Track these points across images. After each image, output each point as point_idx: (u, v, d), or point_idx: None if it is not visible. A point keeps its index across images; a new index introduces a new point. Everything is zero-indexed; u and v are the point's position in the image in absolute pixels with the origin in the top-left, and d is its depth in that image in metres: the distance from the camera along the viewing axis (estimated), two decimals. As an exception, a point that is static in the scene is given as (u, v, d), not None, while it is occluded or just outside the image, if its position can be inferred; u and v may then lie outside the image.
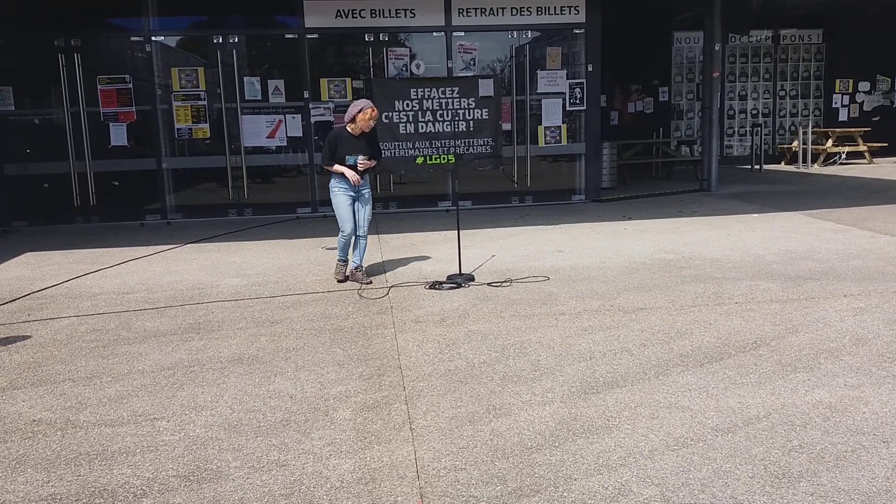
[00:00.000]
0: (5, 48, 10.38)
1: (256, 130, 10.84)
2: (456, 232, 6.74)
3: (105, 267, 7.50)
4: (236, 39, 10.79)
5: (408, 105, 10.50)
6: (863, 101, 17.62)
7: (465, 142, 10.78)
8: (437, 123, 10.73)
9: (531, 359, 4.45)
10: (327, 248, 8.22)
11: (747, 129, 17.31)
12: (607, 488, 2.93)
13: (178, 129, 10.71)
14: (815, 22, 17.08)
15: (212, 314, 5.66)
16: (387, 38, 11.03)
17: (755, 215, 9.65)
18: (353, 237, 6.50)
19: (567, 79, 11.47)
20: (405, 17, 10.93)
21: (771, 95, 17.55)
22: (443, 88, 10.66)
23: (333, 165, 6.31)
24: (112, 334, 5.22)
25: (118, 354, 4.77)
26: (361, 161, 6.30)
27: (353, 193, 6.41)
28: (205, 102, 10.70)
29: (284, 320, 5.44)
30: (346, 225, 6.41)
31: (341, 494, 2.95)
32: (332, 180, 6.40)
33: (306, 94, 10.85)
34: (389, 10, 10.86)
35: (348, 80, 10.99)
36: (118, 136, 10.60)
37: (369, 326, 5.23)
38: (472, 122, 10.84)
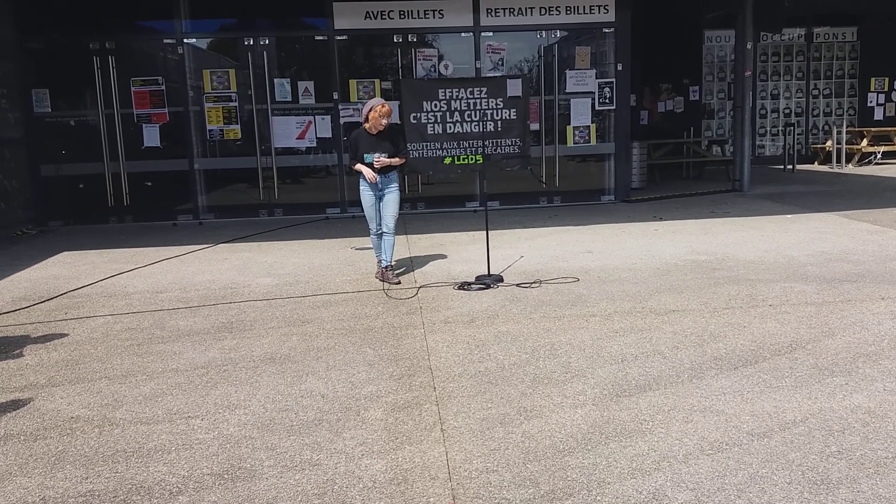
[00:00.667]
0: (42, 52, 10.59)
1: (286, 131, 10.94)
2: (484, 232, 6.74)
3: (139, 266, 7.62)
4: (267, 41, 10.89)
5: (436, 105, 10.46)
6: (900, 100, 17.27)
7: (492, 142, 10.71)
8: (464, 124, 10.68)
9: (562, 361, 4.43)
10: (356, 249, 8.26)
11: (780, 128, 17.05)
12: (641, 493, 2.90)
13: (210, 131, 10.84)
14: (849, 19, 16.76)
15: (244, 313, 5.72)
16: (415, 39, 11.05)
17: (789, 216, 9.51)
18: (379, 234, 6.67)
19: (596, 78, 11.40)
20: (434, 17, 10.95)
21: (804, 94, 17.27)
22: (471, 89, 10.58)
23: (356, 165, 6.53)
24: (146, 333, 5.29)
25: (153, 353, 4.84)
26: (377, 158, 6.45)
27: (378, 193, 6.58)
28: (236, 104, 10.82)
29: (315, 320, 5.48)
30: (371, 223, 6.67)
31: (374, 495, 2.96)
32: (360, 180, 6.60)
33: (336, 96, 10.91)
34: (418, 11, 10.88)
35: (377, 81, 11.03)
36: (151, 137, 10.76)
37: (399, 327, 5.25)
38: (500, 123, 10.76)
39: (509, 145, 11.11)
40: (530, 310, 5.56)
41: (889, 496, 2.81)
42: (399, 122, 10.89)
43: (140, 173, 10.89)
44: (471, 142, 10.76)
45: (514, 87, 10.95)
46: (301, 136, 10.98)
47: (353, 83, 10.98)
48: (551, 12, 11.14)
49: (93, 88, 10.63)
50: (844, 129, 15.81)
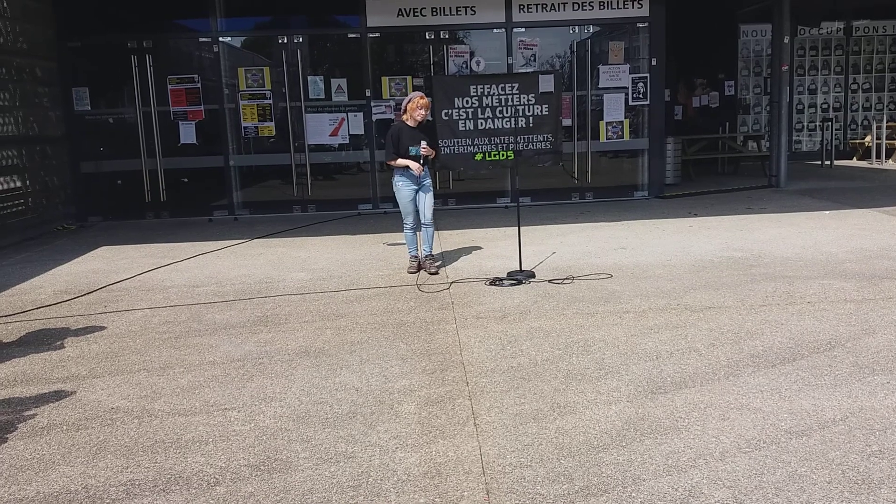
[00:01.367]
0: (82, 51, 10.81)
1: (320, 128, 11.02)
2: (516, 228, 6.73)
3: (176, 261, 7.74)
4: (300, 39, 10.98)
5: (467, 102, 10.40)
6: (942, 94, 16.83)
7: (524, 138, 10.68)
8: (496, 120, 10.64)
9: (595, 357, 4.41)
10: (388, 244, 8.30)
11: (817, 123, 16.72)
12: (677, 490, 2.88)
13: (245, 128, 10.97)
14: (890, 12, 16.37)
15: (279, 307, 5.78)
16: (447, 36, 11.06)
17: (827, 212, 9.33)
18: (416, 228, 6.73)
19: (630, 73, 11.29)
20: (465, 14, 10.94)
21: (842, 89, 16.91)
22: (502, 85, 10.53)
23: (396, 160, 6.53)
24: (184, 326, 5.38)
25: (190, 346, 4.92)
26: (424, 147, 6.52)
27: (415, 186, 6.65)
28: (270, 101, 10.93)
29: (349, 314, 5.52)
30: (408, 217, 6.71)
31: (408, 487, 2.98)
32: (395, 175, 6.63)
33: (368, 93, 10.97)
34: (450, 8, 10.88)
35: (409, 78, 11.06)
36: (187, 134, 10.92)
37: (431, 321, 5.26)
38: (531, 119, 10.70)
39: (541, 141, 11.05)
40: (563, 306, 5.53)
41: (933, 497, 2.75)
42: (431, 118, 10.93)
43: (176, 170, 11.07)
44: (502, 138, 10.75)
45: (547, 83, 10.89)
46: (334, 133, 11.06)
47: (385, 80, 11.02)
48: (584, 7, 11.06)
49: (130, 86, 10.82)
50: (885, 124, 15.44)
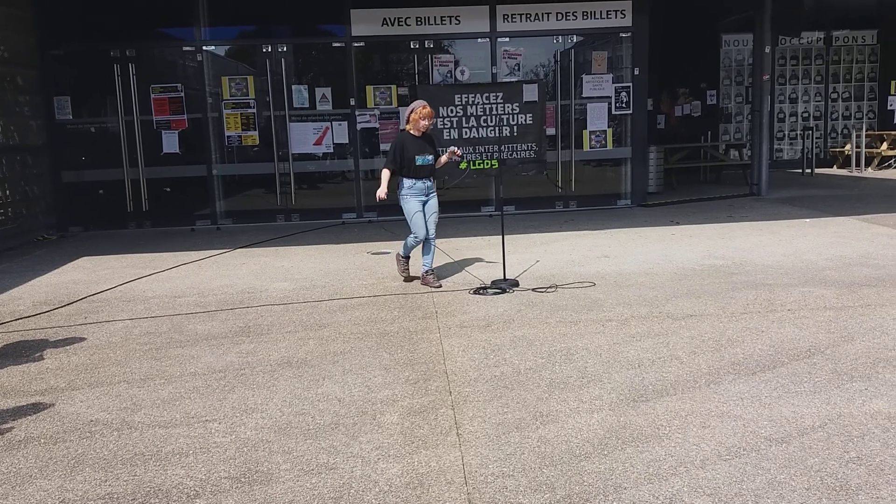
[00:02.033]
0: (64, 60, 10.74)
1: (304, 137, 11.01)
2: (500, 237, 6.73)
3: (157, 271, 7.69)
4: (285, 48, 10.97)
5: (452, 111, 10.54)
6: (920, 103, 17.07)
7: (508, 147, 10.77)
8: (480, 129, 10.75)
9: (578, 365, 4.42)
10: (372, 254, 8.29)
11: (798, 132, 16.92)
12: (658, 498, 2.88)
13: (228, 137, 10.94)
14: (869, 22, 16.63)
15: (261, 318, 5.75)
16: (432, 45, 11.10)
17: (807, 220, 9.43)
18: (419, 243, 6.55)
19: (613, 83, 11.38)
20: (450, 23, 10.99)
21: (822, 98, 17.13)
22: (487, 94, 10.68)
23: (385, 172, 6.40)
24: (165, 337, 5.34)
25: (171, 357, 4.88)
26: (452, 150, 6.52)
27: (423, 198, 6.44)
28: (254, 110, 10.91)
29: (332, 324, 5.50)
30: (419, 230, 6.42)
31: (390, 499, 2.97)
32: (402, 188, 6.41)
33: (352, 102, 10.98)
34: (435, 18, 10.93)
35: (394, 87, 11.08)
36: (170, 143, 10.87)
37: (415, 331, 5.26)
38: (516, 127, 10.83)
39: (525, 150, 11.17)
40: (546, 314, 5.55)
41: (910, 503, 2.78)
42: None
43: (159, 179, 11.00)
44: (487, 147, 10.83)
45: (531, 92, 11.01)
46: (318, 142, 11.06)
47: (369, 89, 11.04)
48: (568, 17, 11.15)
49: (113, 95, 10.76)
50: (864, 133, 15.65)
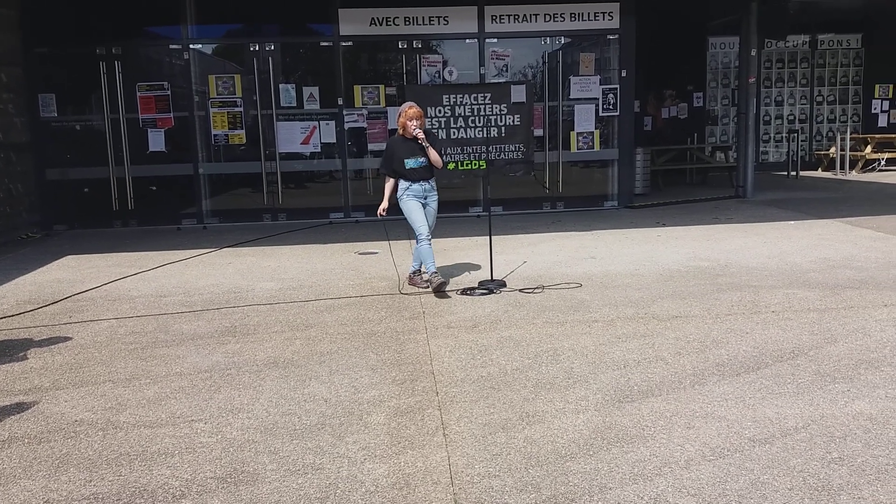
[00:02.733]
0: (49, 57, 10.66)
1: (291, 136, 10.98)
2: (487, 237, 6.75)
3: (143, 270, 7.65)
4: (272, 47, 10.93)
5: (440, 111, 10.53)
6: (903, 107, 17.26)
7: (496, 147, 10.79)
8: (468, 129, 10.76)
9: (564, 366, 4.44)
10: (360, 254, 8.29)
11: (783, 134, 17.05)
12: (643, 498, 2.91)
13: (215, 135, 10.89)
14: (854, 26, 16.78)
15: (247, 318, 5.74)
16: (420, 46, 11.10)
17: (792, 222, 9.51)
18: (430, 239, 6.34)
19: (600, 84, 11.42)
20: (438, 24, 10.99)
21: (808, 101, 17.28)
22: (475, 94, 10.69)
23: (388, 179, 6.38)
24: (150, 337, 5.32)
25: (156, 357, 4.86)
26: (415, 132, 6.12)
27: (422, 201, 6.32)
28: (241, 109, 10.87)
29: (318, 324, 5.50)
30: (421, 228, 6.26)
31: (376, 499, 2.97)
32: (401, 190, 6.30)
33: (340, 101, 10.96)
34: (423, 18, 10.93)
35: (381, 86, 11.07)
36: (156, 141, 10.81)
37: (402, 331, 5.26)
38: (503, 128, 10.84)
39: (513, 151, 11.19)
40: (533, 315, 5.57)
41: (890, 503, 2.81)
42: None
43: (145, 178, 10.94)
44: (474, 147, 10.84)
45: (519, 93, 11.03)
46: (305, 142, 11.03)
47: (357, 89, 11.02)
48: (556, 19, 11.18)
49: (99, 93, 10.68)
50: (848, 136, 15.80)
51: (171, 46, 10.91)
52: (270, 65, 10.88)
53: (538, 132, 11.30)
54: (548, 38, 11.41)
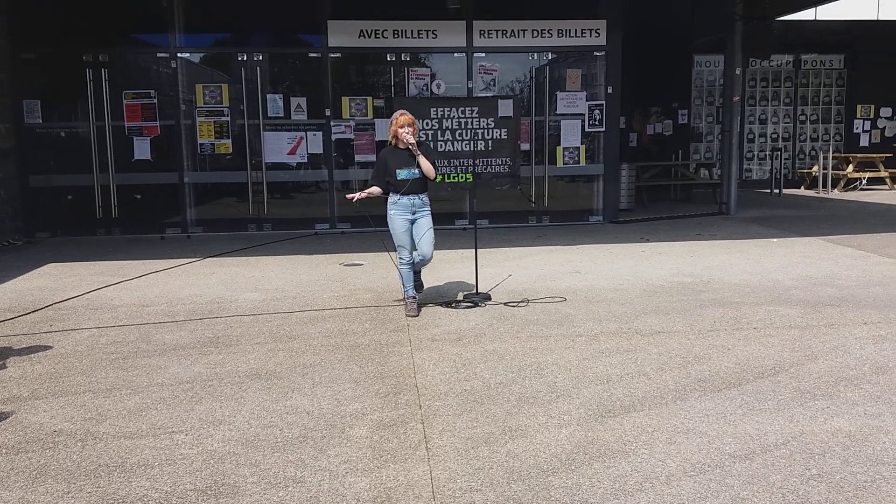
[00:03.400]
0: (35, 62, 10.59)
1: (278, 147, 10.97)
2: (473, 250, 6.77)
3: (126, 279, 7.59)
4: (260, 57, 10.93)
5: (427, 124, 10.58)
6: (884, 127, 17.52)
7: (483, 161, 10.85)
8: (456, 142, 10.82)
9: (548, 380, 4.45)
10: (345, 265, 8.27)
11: (767, 153, 17.25)
12: (623, 513, 2.91)
13: (201, 144, 10.85)
14: (836, 47, 17.04)
15: (230, 328, 5.71)
16: (408, 58, 11.14)
17: (774, 240, 9.60)
18: (411, 264, 6.12)
19: (586, 100, 11.52)
20: (427, 37, 11.05)
21: (791, 120, 17.49)
22: (462, 108, 10.75)
23: (368, 188, 6.06)
24: (132, 346, 5.27)
25: (138, 367, 4.82)
26: (408, 141, 5.83)
27: (409, 216, 6.02)
28: (228, 118, 10.84)
29: (302, 336, 5.48)
30: (403, 252, 6.05)
31: (357, 512, 2.96)
32: (389, 203, 6.03)
33: (328, 112, 10.97)
34: (412, 31, 10.98)
35: (369, 98, 11.10)
36: (142, 150, 10.75)
37: (386, 344, 5.25)
38: (490, 142, 10.91)
39: (500, 164, 11.25)
40: (517, 329, 5.58)
41: (868, 520, 2.84)
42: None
43: (129, 186, 10.87)
44: (461, 160, 10.89)
45: (506, 108, 11.10)
46: (292, 152, 11.02)
47: (345, 100, 11.04)
48: (543, 35, 11.27)
49: (85, 100, 10.62)
50: (831, 155, 16.01)
51: (159, 54, 10.89)
52: (258, 74, 10.88)
53: (525, 146, 11.36)
54: (535, 54, 11.50)
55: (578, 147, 11.60)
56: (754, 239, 9.71)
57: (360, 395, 4.26)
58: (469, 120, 10.79)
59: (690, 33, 15.56)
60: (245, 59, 10.88)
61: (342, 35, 10.90)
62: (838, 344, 5.06)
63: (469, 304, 6.28)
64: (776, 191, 15.36)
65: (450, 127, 10.77)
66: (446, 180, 10.72)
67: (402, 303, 6.30)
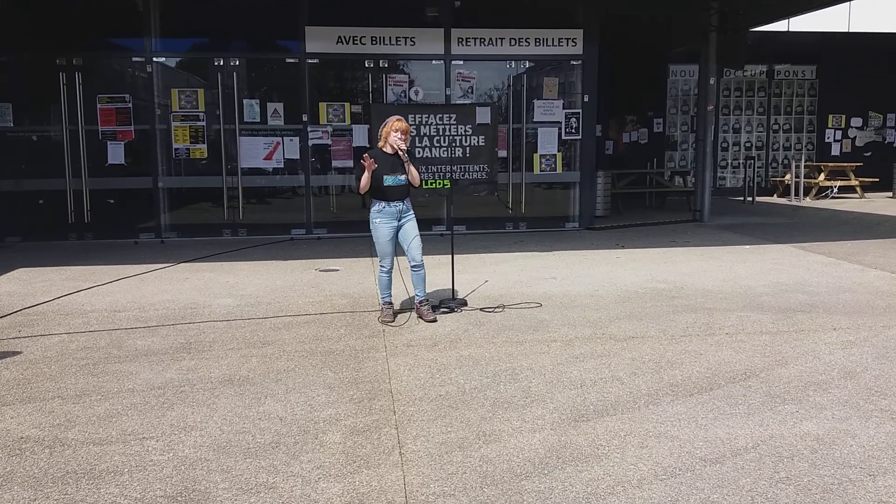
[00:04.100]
0: (7, 65, 10.45)
1: (254, 152, 10.91)
2: (450, 256, 6.77)
3: (97, 284, 7.50)
4: (237, 62, 10.88)
5: (405, 130, 10.57)
6: (855, 137, 17.85)
7: (461, 167, 10.89)
8: (433, 149, 10.85)
9: (522, 385, 4.46)
10: (320, 270, 8.24)
11: (741, 161, 17.48)
12: (595, 517, 2.93)
13: (176, 149, 10.76)
14: (809, 58, 17.35)
15: (203, 334, 5.65)
16: (387, 65, 11.15)
17: (747, 247, 9.72)
18: (391, 272, 6.06)
19: (563, 108, 11.60)
20: (405, 44, 11.06)
21: (764, 129, 17.75)
22: (440, 115, 10.79)
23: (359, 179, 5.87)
24: (103, 352, 5.20)
25: (108, 373, 4.76)
26: (397, 145, 5.74)
27: (395, 223, 5.95)
28: (203, 123, 10.76)
29: (276, 342, 5.44)
30: (385, 259, 5.98)
31: (329, 518, 2.94)
32: (373, 211, 5.93)
33: (305, 118, 10.93)
34: (390, 38, 10.99)
35: (347, 104, 11.08)
36: (116, 154, 10.64)
37: (361, 349, 5.24)
38: (468, 149, 10.95)
39: (477, 171, 11.29)
40: (493, 334, 5.59)
41: (834, 522, 2.88)
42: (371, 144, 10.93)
43: (102, 190, 10.74)
44: (439, 167, 10.91)
45: (484, 115, 11.16)
46: (268, 157, 10.96)
47: (322, 106, 11.01)
48: (521, 44, 11.34)
49: (58, 104, 10.49)
50: (803, 164, 16.26)
51: (135, 58, 10.79)
52: (235, 80, 10.82)
53: (502, 153, 11.42)
54: (513, 62, 11.57)
55: (555, 154, 11.68)
56: (727, 246, 9.82)
57: (334, 400, 4.24)
58: (447, 127, 10.83)
59: (666, 43, 15.75)
60: (222, 63, 10.82)
61: (320, 41, 10.88)
62: (808, 349, 5.13)
63: (445, 310, 6.28)
64: (749, 199, 15.56)
65: (427, 133, 10.80)
66: (424, 186, 10.73)
67: (378, 309, 6.28)
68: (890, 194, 16.58)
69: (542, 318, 6.07)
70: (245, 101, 10.85)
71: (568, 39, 11.41)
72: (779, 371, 4.68)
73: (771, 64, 17.38)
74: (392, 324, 5.92)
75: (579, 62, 11.50)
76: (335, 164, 11.14)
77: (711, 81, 12.56)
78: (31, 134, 10.80)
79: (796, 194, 16.03)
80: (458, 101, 11.25)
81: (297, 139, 10.96)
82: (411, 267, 6.08)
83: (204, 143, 10.78)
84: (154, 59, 10.68)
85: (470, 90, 11.40)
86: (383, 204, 5.91)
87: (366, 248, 9.76)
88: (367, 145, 10.88)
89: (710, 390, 4.34)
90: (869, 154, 17.68)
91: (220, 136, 10.84)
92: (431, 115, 10.76)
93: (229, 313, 6.30)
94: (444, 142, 10.82)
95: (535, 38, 11.33)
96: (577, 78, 11.62)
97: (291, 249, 9.93)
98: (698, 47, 12.82)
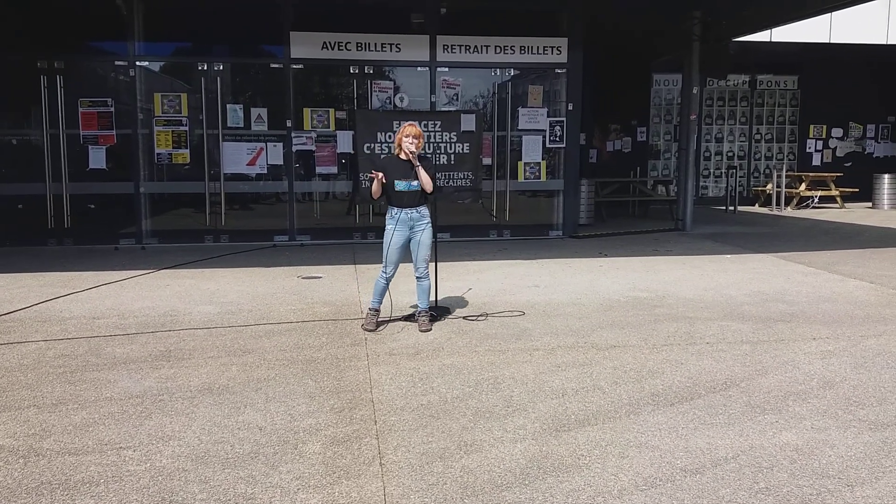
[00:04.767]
0: (-14, 68, 10.34)
1: (237, 157, 10.84)
2: (433, 264, 6.75)
3: (76, 291, 7.41)
4: (221, 67, 10.83)
5: (390, 137, 10.58)
6: (836, 147, 18.07)
7: (445, 174, 10.89)
8: (418, 156, 10.81)
9: (504, 394, 4.45)
10: (303, 278, 8.20)
11: (723, 170, 17.63)
12: (575, 528, 2.92)
13: (158, 154, 10.68)
14: (791, 68, 17.55)
15: (183, 342, 5.60)
16: (372, 71, 11.14)
17: (728, 256, 9.79)
18: (390, 280, 6.02)
19: (547, 116, 11.64)
20: (391, 51, 11.07)
21: (747, 139, 17.93)
22: (425, 122, 10.78)
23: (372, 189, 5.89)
24: (80, 360, 5.14)
25: (86, 381, 4.70)
26: (410, 151, 5.70)
27: (407, 232, 5.87)
28: (186, 128, 10.70)
29: (256, 350, 5.40)
30: (388, 267, 5.93)
31: (307, 530, 2.91)
32: (386, 217, 5.91)
33: (289, 123, 10.89)
34: (375, 44, 10.99)
35: (332, 110, 11.06)
36: (97, 159, 10.54)
37: (342, 358, 5.21)
38: (453, 156, 10.96)
39: (462, 178, 11.30)
40: (475, 343, 5.58)
41: (813, 533, 2.89)
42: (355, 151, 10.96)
43: (83, 195, 10.64)
44: (423, 174, 10.90)
45: (468, 122, 11.17)
46: (252, 163, 10.91)
47: (307, 111, 10.98)
48: (506, 51, 11.37)
49: (38, 107, 10.38)
50: (784, 174, 16.42)
51: (117, 62, 10.71)
52: (219, 84, 10.77)
53: (487, 161, 11.44)
54: (498, 70, 11.60)
55: (539, 162, 11.72)
56: (709, 255, 9.88)
57: (315, 410, 4.21)
58: (432, 134, 10.83)
59: (650, 52, 15.88)
60: (205, 68, 10.77)
61: (305, 46, 10.86)
62: (788, 359, 5.16)
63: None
64: (731, 208, 15.69)
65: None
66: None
67: (359, 315, 6.26)
68: (870, 204, 16.77)
69: (525, 326, 6.07)
70: (229, 106, 10.80)
71: (553, 48, 11.46)
72: (759, 381, 4.71)
73: (753, 74, 17.57)
74: (372, 332, 5.89)
75: (564, 70, 11.56)
76: (319, 170, 11.11)
77: (695, 91, 12.67)
78: (10, 137, 10.69)
79: (778, 204, 16.18)
80: (443, 108, 11.27)
81: (280, 145, 10.92)
82: (415, 276, 6.08)
83: (187, 148, 10.71)
84: (137, 62, 10.61)
85: (455, 97, 11.42)
86: (396, 210, 5.88)
87: (349, 255, 9.74)
88: (352, 152, 10.87)
89: (690, 400, 4.36)
90: (849, 164, 17.90)
91: (203, 141, 10.78)
92: (416, 122, 10.75)
93: (210, 321, 6.25)
94: (429, 149, 10.81)
95: (521, 46, 11.37)
96: (561, 86, 11.67)
97: (274, 256, 9.88)
98: (682, 57, 12.93)
